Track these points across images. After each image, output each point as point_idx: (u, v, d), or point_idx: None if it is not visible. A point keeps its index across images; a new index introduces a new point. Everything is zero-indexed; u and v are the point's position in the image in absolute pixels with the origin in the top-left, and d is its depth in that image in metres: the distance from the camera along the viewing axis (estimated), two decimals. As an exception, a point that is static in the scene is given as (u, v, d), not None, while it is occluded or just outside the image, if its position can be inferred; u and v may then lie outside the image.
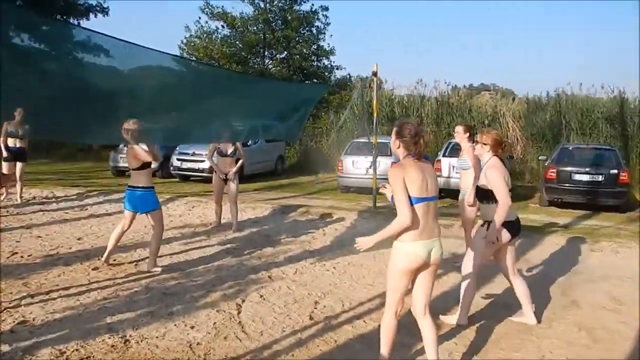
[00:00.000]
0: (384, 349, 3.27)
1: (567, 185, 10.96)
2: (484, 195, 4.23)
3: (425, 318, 3.33)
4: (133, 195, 5.65)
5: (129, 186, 5.68)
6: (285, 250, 6.87)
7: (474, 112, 18.17)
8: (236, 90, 7.04)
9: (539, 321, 4.49)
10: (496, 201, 4.05)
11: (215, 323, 4.29)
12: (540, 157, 13.86)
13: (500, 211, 3.97)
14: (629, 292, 5.33)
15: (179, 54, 19.53)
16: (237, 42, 20.59)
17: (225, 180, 8.00)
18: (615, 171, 10.75)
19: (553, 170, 11.15)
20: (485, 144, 4.26)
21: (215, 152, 8.09)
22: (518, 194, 12.84)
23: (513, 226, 4.21)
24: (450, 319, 4.39)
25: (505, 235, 4.17)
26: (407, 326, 3.68)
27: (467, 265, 4.36)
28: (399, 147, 3.22)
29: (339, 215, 9.04)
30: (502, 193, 3.99)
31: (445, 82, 20.08)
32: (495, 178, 4.05)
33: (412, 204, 3.07)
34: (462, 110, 18.16)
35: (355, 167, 12.12)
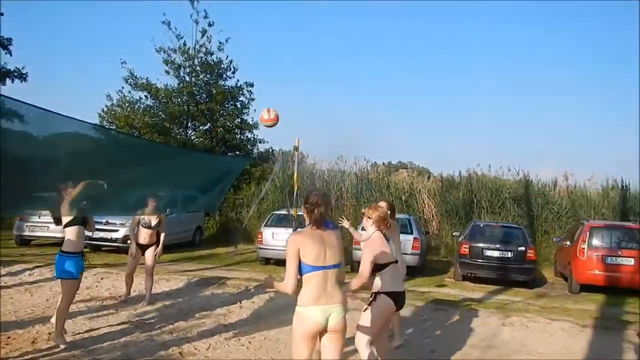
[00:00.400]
0: None
1: (479, 260, 11.49)
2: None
3: None
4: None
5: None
6: (199, 324, 6.67)
7: (392, 188, 18.96)
8: (156, 160, 7.03)
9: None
10: (381, 273, 4.36)
11: (118, 404, 4.07)
12: (454, 233, 14.57)
13: (356, 280, 4.15)
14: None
15: (98, 122, 19.16)
16: (160, 113, 20.52)
17: (143, 252, 7.78)
18: (523, 248, 11.42)
19: (466, 245, 11.72)
20: (369, 218, 4.52)
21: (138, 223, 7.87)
22: (433, 269, 13.37)
23: (398, 297, 4.44)
24: None
25: (390, 305, 4.36)
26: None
27: (360, 339, 4.39)
28: (304, 215, 3.44)
29: (256, 288, 8.96)
30: (362, 266, 4.20)
31: (365, 159, 20.97)
32: (364, 253, 4.29)
33: (305, 272, 3.30)
34: (381, 186, 18.92)
35: (275, 239, 12.17)
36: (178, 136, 20.67)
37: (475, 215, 17.32)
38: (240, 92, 21.41)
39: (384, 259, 4.34)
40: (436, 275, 12.61)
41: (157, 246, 7.88)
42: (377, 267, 4.32)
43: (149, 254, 7.78)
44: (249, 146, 21.95)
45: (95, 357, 5.17)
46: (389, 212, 6.15)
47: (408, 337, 6.39)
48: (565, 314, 8.18)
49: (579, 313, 8.37)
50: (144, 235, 7.81)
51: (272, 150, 22.38)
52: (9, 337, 5.58)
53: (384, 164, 26.78)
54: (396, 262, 4.45)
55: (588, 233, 11.01)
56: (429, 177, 20.91)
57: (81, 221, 5.60)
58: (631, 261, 10.50)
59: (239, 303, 8.06)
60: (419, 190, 18.91)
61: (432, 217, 18.27)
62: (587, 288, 10.75)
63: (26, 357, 5.06)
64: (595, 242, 10.88)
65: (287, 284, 3.27)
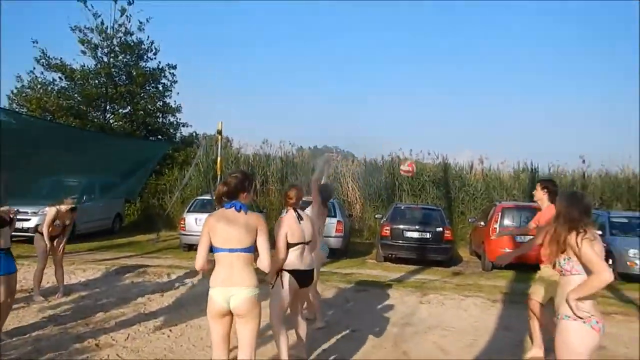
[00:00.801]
0: None
1: (400, 241, 11.91)
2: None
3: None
4: None
5: None
6: (117, 314, 6.45)
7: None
8: (72, 145, 6.69)
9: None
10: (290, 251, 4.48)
11: (28, 400, 3.88)
12: (376, 216, 14.98)
13: (274, 257, 4.20)
14: (453, 342, 5.84)
15: (7, 105, 17.87)
16: (76, 95, 19.39)
17: (53, 242, 7.36)
18: (441, 229, 11.95)
19: (387, 227, 12.09)
20: (290, 199, 4.69)
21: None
22: (357, 250, 13.70)
23: (301, 275, 4.53)
24: None
25: (293, 282, 4.46)
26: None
27: (271, 316, 4.49)
28: (217, 197, 3.56)
29: (179, 275, 8.79)
30: (277, 243, 4.37)
31: (290, 143, 21.01)
32: (278, 232, 4.44)
33: (214, 253, 3.41)
34: (306, 171, 19.05)
35: (199, 224, 11.94)
36: (95, 120, 19.66)
37: (397, 197, 17.90)
38: (162, 74, 20.67)
39: (294, 239, 4.44)
40: (359, 257, 12.93)
41: (64, 236, 7.47)
42: (288, 246, 4.44)
43: (57, 244, 7.38)
44: (171, 130, 21.29)
45: (4, 354, 4.88)
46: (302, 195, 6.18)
47: (330, 318, 6.53)
48: (478, 291, 8.70)
49: (490, 289, 8.93)
50: (53, 228, 7.37)
51: (196, 134, 21.83)
52: None
53: (309, 148, 26.93)
54: (307, 243, 4.56)
55: (500, 213, 11.70)
56: (352, 161, 21.28)
57: None
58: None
59: (160, 291, 7.88)
60: (343, 173, 19.22)
61: (356, 200, 18.68)
62: (499, 266, 11.44)
63: None
64: (506, 221, 11.58)
65: (196, 261, 3.42)
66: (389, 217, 12.62)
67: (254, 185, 3.64)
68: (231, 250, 3.35)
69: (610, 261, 10.06)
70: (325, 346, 5.42)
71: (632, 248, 10.31)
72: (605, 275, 2.86)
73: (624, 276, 10.04)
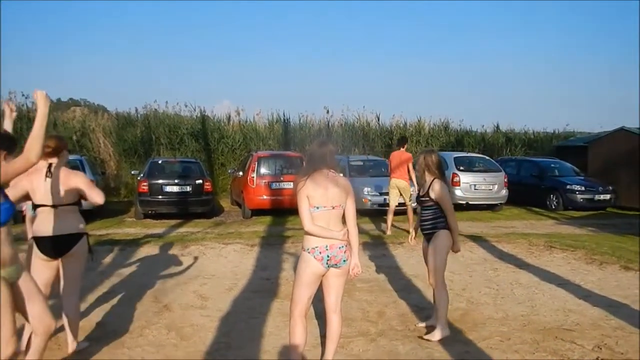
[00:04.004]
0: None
1: (159, 197, 11.61)
2: None
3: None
4: None
5: None
6: None
7: (60, 127, 17.22)
8: None
9: (128, 331, 4.53)
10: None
11: None
12: (133, 172, 14.24)
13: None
14: (213, 287, 5.98)
15: None
16: None
17: None
18: (201, 181, 12.00)
19: (145, 183, 11.62)
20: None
21: None
22: (114, 210, 12.88)
23: (43, 242, 3.73)
24: None
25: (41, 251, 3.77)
26: None
27: None
28: None
29: None
30: None
31: (23, 95, 18.22)
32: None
33: None
34: (47, 125, 16.80)
35: None
36: None
37: (155, 152, 17.29)
38: None
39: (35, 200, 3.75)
40: (116, 216, 12.23)
41: None
42: (34, 206, 3.77)
43: None
44: None
45: None
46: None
47: (85, 283, 6.04)
48: (238, 238, 9.05)
49: (249, 235, 9.38)
50: None
51: None
52: None
53: (52, 101, 23.86)
54: (54, 206, 3.73)
55: (257, 163, 12.26)
56: (103, 115, 19.68)
57: None
58: (291, 184, 12.17)
59: None
60: (93, 129, 17.73)
61: (110, 157, 17.47)
62: (258, 212, 12.11)
63: None
64: (263, 170, 12.22)
65: None
66: (146, 173, 12.14)
67: None
68: None
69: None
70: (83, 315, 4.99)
71: (365, 186, 11.95)
72: None
73: (362, 212, 11.62)
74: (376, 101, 73.99)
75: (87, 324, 4.67)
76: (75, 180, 3.84)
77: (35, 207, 3.77)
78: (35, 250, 3.73)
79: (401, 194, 9.55)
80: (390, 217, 9.72)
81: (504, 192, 13.81)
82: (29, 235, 3.92)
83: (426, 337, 4.41)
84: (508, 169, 15.12)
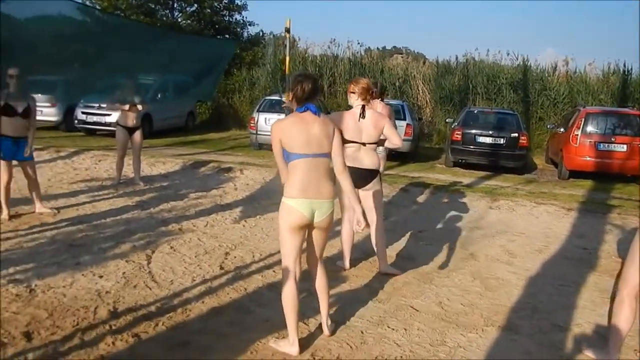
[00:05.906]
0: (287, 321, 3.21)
1: (471, 147, 11.56)
2: None
3: (320, 266, 3.36)
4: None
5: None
6: (196, 204, 6.84)
7: (386, 74, 18.58)
8: (144, 43, 6.74)
9: (441, 269, 4.85)
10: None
11: (124, 273, 4.27)
12: (447, 120, 14.50)
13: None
14: (521, 246, 5.81)
15: (81, 2, 18.10)
16: (144, -8, 19.44)
17: (130, 134, 7.72)
18: (516, 135, 11.46)
19: (458, 132, 11.72)
20: (353, 93, 4.37)
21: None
22: (426, 155, 13.54)
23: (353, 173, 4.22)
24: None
25: None
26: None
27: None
28: (291, 100, 3.18)
29: (250, 171, 9.10)
30: None
31: (359, 43, 20.32)
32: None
33: (290, 160, 3.09)
34: (375, 72, 18.47)
35: (268, 124, 12.10)
36: (164, 18, 19.74)
37: (470, 101, 17.11)
38: (228, -30, 20.15)
39: (346, 136, 4.22)
40: (428, 161, 12.79)
41: (141, 129, 7.83)
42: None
43: (137, 136, 7.74)
44: (237, 29, 21.09)
45: (99, 231, 5.35)
46: (375, 89, 5.87)
47: (397, 218, 6.62)
48: (552, 199, 8.36)
49: (565, 198, 8.58)
50: (131, 118, 7.69)
51: (263, 33, 21.52)
52: (16, 212, 5.76)
53: (378, 49, 25.94)
54: (364, 144, 4.35)
55: (583, 119, 10.97)
56: (424, 63, 20.38)
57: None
58: (624, 147, 10.57)
59: (233, 185, 8.22)
60: (414, 76, 18.51)
61: (426, 103, 18.11)
62: (577, 174, 10.95)
63: (34, 230, 5.24)
64: (590, 128, 10.89)
65: (281, 175, 3.20)
66: (461, 121, 12.19)
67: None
68: (315, 156, 3.09)
69: None
70: (393, 245, 5.53)
71: None
72: None
73: None
74: None
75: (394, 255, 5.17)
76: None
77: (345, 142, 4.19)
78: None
79: None
80: None
81: None
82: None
83: None
84: None
